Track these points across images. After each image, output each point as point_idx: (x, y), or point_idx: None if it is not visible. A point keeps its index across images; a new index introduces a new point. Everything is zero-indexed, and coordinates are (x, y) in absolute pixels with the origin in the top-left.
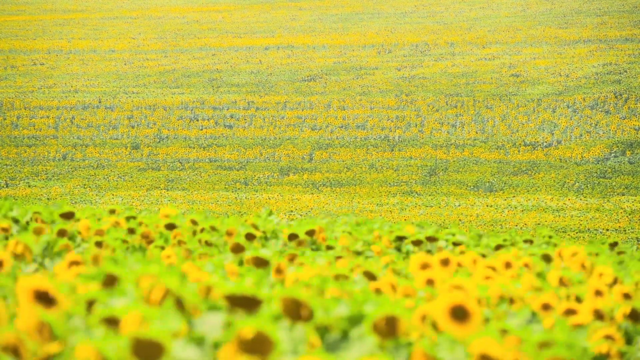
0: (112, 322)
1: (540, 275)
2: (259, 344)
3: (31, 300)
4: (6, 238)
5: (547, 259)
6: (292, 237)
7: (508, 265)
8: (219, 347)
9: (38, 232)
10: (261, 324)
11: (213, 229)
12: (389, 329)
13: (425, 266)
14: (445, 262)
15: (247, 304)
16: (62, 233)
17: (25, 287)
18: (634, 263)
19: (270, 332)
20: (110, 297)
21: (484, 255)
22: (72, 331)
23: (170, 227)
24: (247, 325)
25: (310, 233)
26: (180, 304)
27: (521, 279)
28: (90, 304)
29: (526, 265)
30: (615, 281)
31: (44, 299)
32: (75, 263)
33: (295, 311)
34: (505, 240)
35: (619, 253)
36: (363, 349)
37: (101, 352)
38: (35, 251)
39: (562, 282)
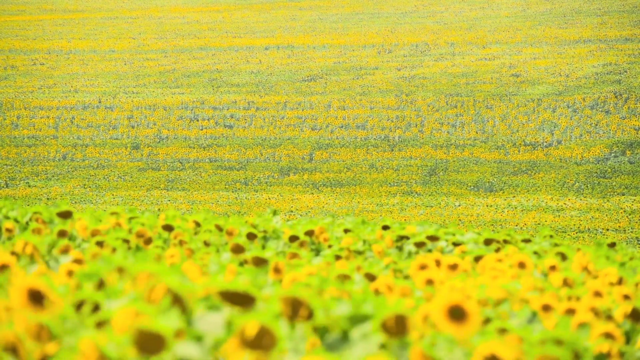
0: (109, 321)
1: (545, 276)
2: (262, 340)
3: (25, 301)
4: (9, 239)
5: (563, 257)
6: (293, 238)
7: (522, 265)
8: (219, 345)
9: (37, 232)
10: (264, 320)
11: (218, 228)
12: (398, 328)
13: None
14: (453, 267)
15: (241, 301)
16: (62, 234)
17: (19, 287)
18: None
19: (273, 327)
20: (105, 297)
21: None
22: (69, 331)
23: (168, 228)
24: (251, 321)
25: (311, 233)
26: (178, 302)
27: (522, 279)
28: (83, 304)
29: (552, 269)
30: (619, 282)
31: (38, 299)
32: (77, 262)
33: (295, 310)
34: (505, 238)
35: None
36: (367, 349)
37: (101, 349)
38: (42, 251)
39: (565, 283)
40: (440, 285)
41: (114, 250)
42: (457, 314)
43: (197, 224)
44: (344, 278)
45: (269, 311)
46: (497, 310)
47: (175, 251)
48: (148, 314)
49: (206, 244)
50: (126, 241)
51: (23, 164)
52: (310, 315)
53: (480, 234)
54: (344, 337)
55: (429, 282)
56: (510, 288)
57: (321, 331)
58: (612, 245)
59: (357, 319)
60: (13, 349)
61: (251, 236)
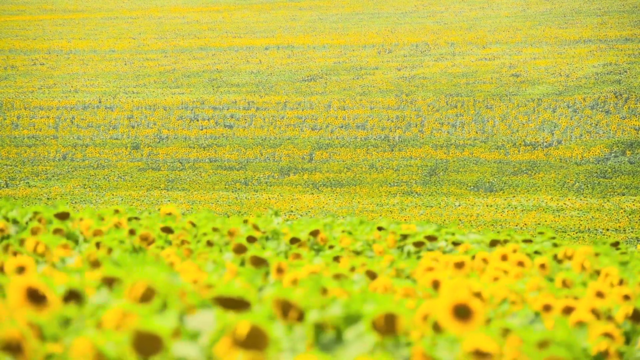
0: (106, 321)
1: (548, 276)
2: (254, 339)
3: (23, 300)
4: (2, 238)
5: (556, 259)
6: (294, 240)
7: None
8: (212, 344)
9: (35, 231)
10: (256, 320)
11: (215, 229)
12: (388, 326)
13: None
14: (460, 265)
15: (236, 305)
16: (57, 231)
17: (18, 286)
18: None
19: (265, 327)
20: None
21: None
22: (66, 330)
23: (168, 230)
24: (243, 321)
25: (316, 233)
26: (166, 302)
27: (526, 278)
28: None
29: (542, 266)
30: (620, 282)
31: (37, 298)
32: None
33: (285, 312)
34: (507, 236)
35: (623, 253)
36: (360, 348)
37: (98, 348)
38: (53, 251)
39: (563, 284)
40: (445, 284)
41: (109, 250)
42: (462, 312)
43: (193, 225)
44: (343, 277)
45: (262, 312)
46: (497, 310)
47: (172, 250)
48: (136, 313)
49: (209, 243)
50: (122, 242)
51: (23, 164)
52: (301, 317)
53: (481, 233)
54: (338, 337)
55: (435, 282)
56: (515, 287)
57: (317, 331)
58: (615, 244)
59: (352, 319)
60: (17, 347)
61: (251, 237)
